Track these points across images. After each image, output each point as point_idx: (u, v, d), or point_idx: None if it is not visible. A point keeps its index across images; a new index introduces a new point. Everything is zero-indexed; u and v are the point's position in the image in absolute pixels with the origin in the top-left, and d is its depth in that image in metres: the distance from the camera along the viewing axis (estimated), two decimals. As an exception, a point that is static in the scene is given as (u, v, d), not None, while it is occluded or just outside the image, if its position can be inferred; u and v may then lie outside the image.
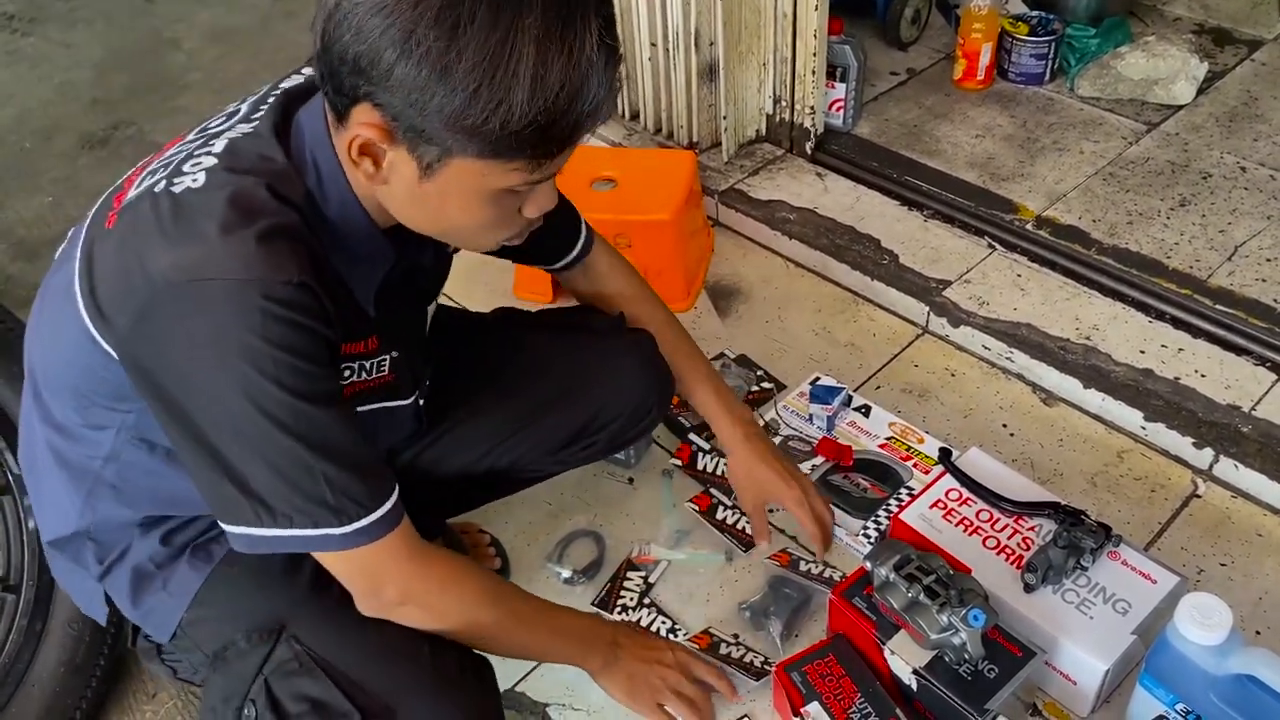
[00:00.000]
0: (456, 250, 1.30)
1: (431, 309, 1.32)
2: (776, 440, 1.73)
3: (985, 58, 2.44)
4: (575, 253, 1.47)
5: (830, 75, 2.25)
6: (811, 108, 2.22)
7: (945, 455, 1.60)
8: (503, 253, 1.34)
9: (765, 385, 1.87)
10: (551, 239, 1.42)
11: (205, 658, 1.15)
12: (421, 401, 1.30)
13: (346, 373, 1.12)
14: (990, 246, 2.06)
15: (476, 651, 1.18)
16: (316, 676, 1.07)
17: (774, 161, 2.30)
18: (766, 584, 1.56)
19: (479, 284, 2.17)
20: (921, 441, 1.70)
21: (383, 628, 1.11)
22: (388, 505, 1.03)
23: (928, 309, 1.95)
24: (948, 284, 1.98)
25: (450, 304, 2.11)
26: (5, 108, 2.95)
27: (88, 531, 1.17)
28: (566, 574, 1.60)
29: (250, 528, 0.99)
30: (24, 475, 1.21)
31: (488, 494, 1.55)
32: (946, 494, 1.53)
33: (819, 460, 1.69)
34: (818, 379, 1.79)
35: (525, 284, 2.12)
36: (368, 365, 1.15)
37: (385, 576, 1.07)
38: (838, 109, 2.32)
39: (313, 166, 1.01)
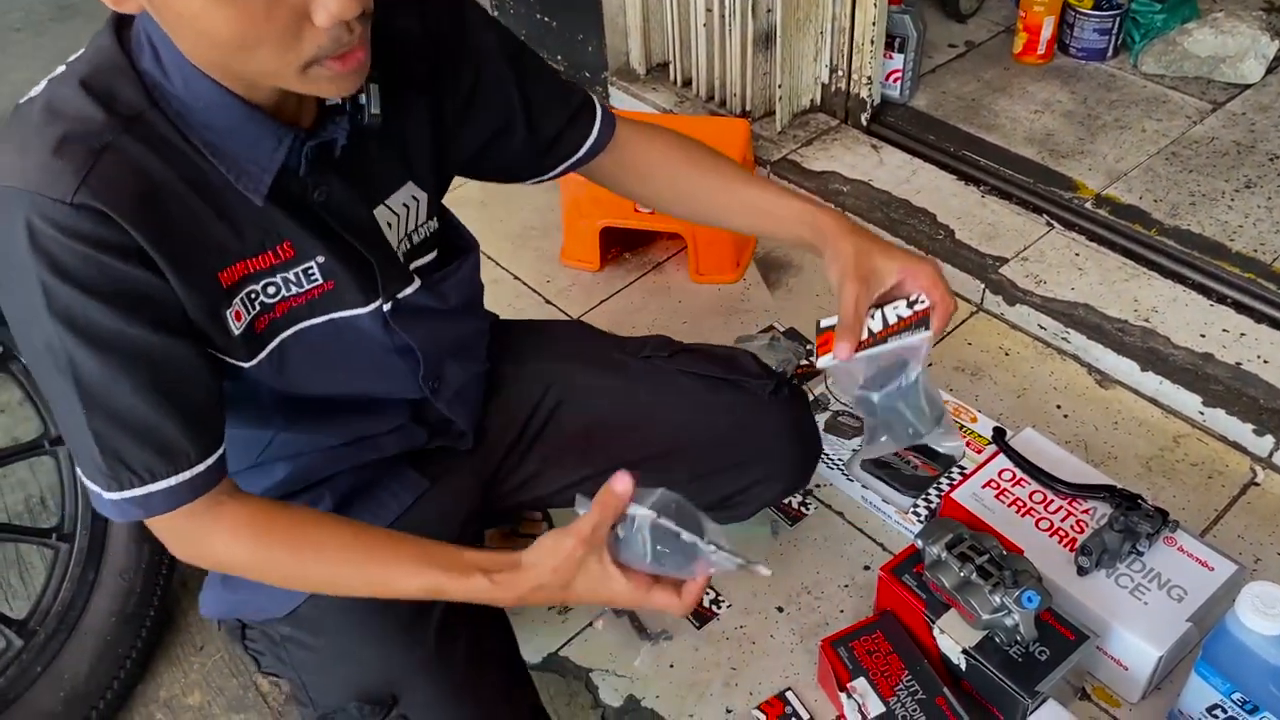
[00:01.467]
0: (435, 165, 1.12)
1: (393, 222, 1.08)
2: (826, 415, 1.71)
3: (1047, 31, 2.39)
4: (594, 133, 1.20)
5: (888, 45, 2.21)
6: (868, 78, 2.18)
7: (999, 434, 1.57)
8: (493, 169, 1.20)
9: (814, 360, 1.84)
10: (551, 125, 1.18)
11: (297, 678, 1.12)
12: (387, 307, 1.06)
13: (269, 289, 0.98)
14: (1048, 224, 2.02)
15: None
16: None
17: (828, 132, 2.27)
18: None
19: (527, 249, 2.16)
20: (974, 420, 1.68)
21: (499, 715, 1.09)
22: (176, 479, 0.92)
23: (983, 286, 1.92)
24: (1004, 261, 1.94)
25: (503, 272, 2.11)
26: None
27: None
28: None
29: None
30: None
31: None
32: (999, 474, 1.51)
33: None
34: (870, 354, 1.76)
35: (573, 250, 2.11)
36: (292, 276, 0.98)
37: (170, 541, 0.99)
38: (895, 80, 2.28)
39: (147, 43, 0.87)
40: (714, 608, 1.51)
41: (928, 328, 1.08)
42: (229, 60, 0.83)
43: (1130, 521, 1.37)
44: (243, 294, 0.96)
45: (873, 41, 2.12)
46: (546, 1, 2.54)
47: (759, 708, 1.39)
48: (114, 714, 1.45)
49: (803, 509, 1.63)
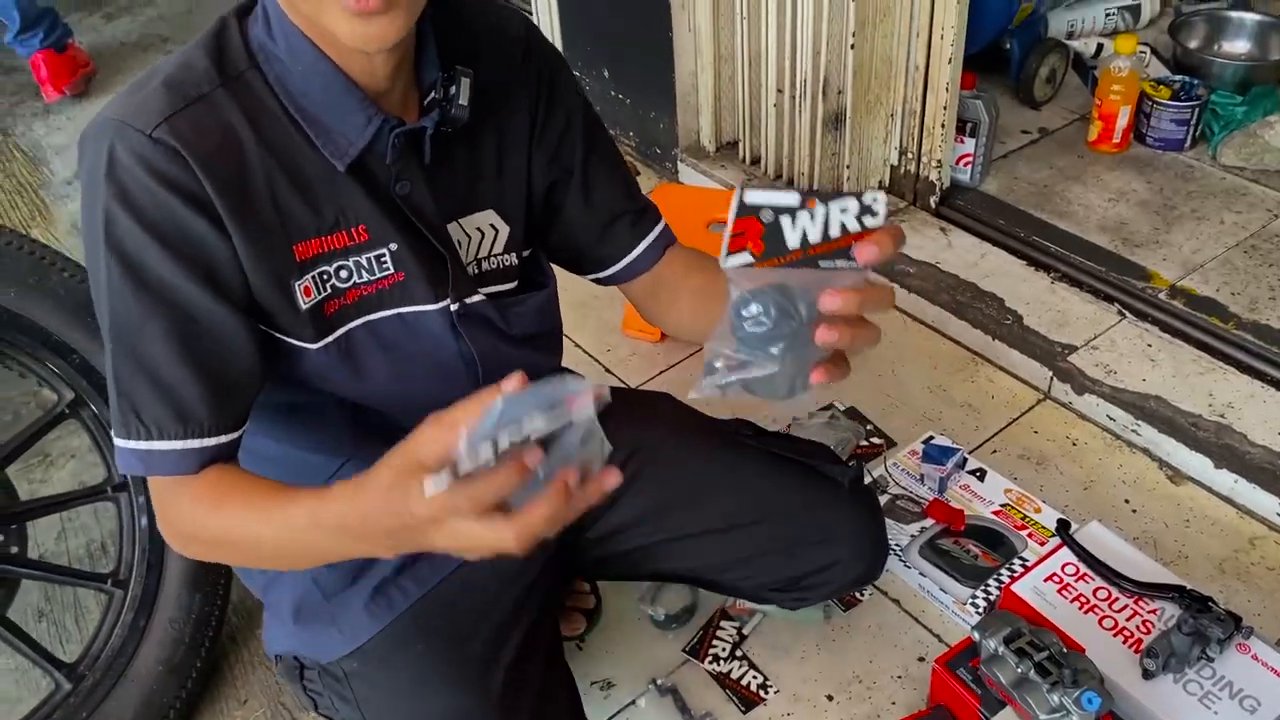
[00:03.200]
0: (526, 206, 1.13)
1: (463, 241, 1.07)
2: (884, 498, 1.67)
3: (1123, 120, 2.36)
4: (635, 253, 1.19)
5: (960, 129, 2.21)
6: (938, 161, 2.18)
7: (1064, 527, 1.53)
8: (558, 245, 1.19)
9: (875, 440, 1.82)
10: (603, 196, 1.16)
11: (359, 717, 1.10)
12: (454, 308, 1.05)
13: (343, 273, 0.98)
14: (1120, 314, 1.97)
15: None
16: None
17: (896, 214, 2.26)
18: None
19: (590, 318, 2.17)
20: (1038, 511, 1.63)
21: None
22: (183, 444, 0.90)
23: (1051, 374, 1.88)
24: (1073, 349, 1.90)
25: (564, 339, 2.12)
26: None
27: None
28: (660, 617, 1.57)
29: None
30: None
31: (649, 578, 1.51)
32: (1063, 568, 1.46)
33: (929, 523, 1.63)
34: (931, 438, 1.73)
35: (635, 320, 2.12)
36: (364, 261, 0.98)
37: (158, 511, 0.97)
38: (965, 164, 2.27)
39: (261, 11, 0.93)
40: (761, 693, 1.47)
41: (862, 262, 0.76)
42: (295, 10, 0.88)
43: (1201, 625, 1.31)
44: (315, 271, 0.97)
45: (944, 125, 2.12)
46: (621, 79, 2.59)
47: (803, 799, 1.34)
48: (155, 765, 1.45)
49: (857, 594, 1.59)
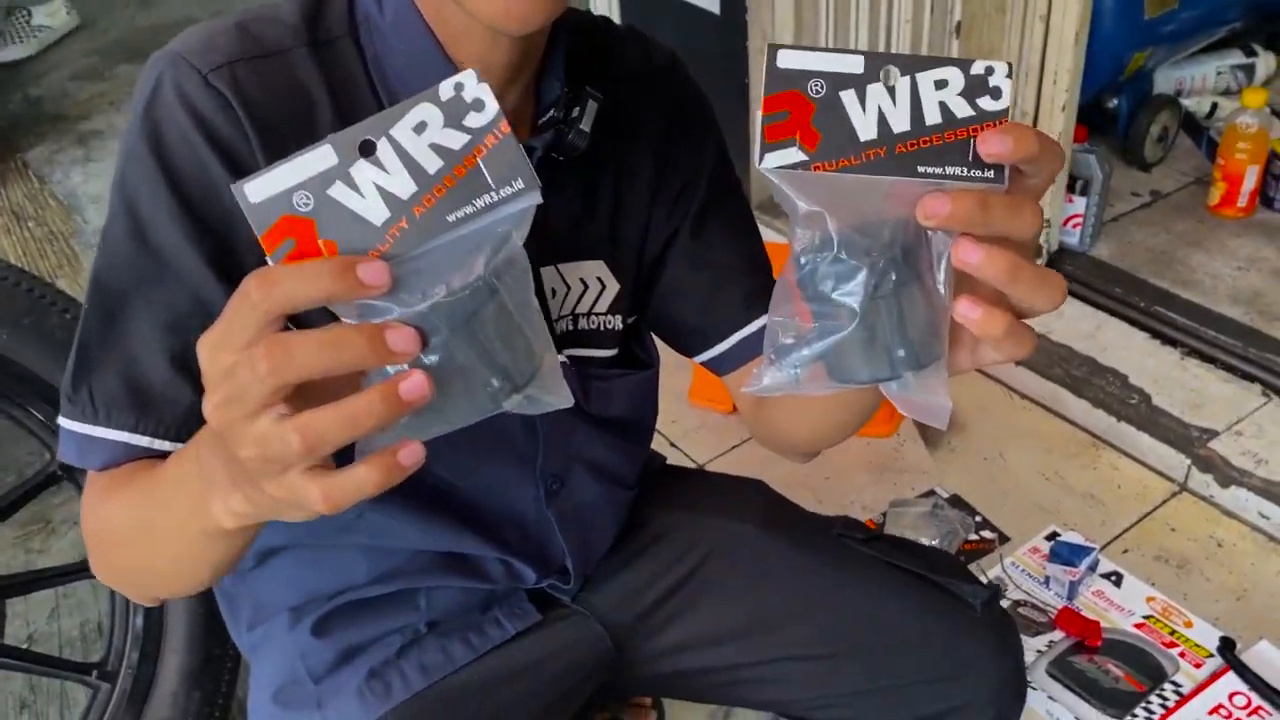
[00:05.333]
0: (637, 269, 0.93)
1: (558, 289, 0.90)
2: (1004, 604, 1.42)
3: (1250, 182, 2.13)
4: (746, 331, 0.94)
5: (1069, 187, 1.99)
6: (1047, 220, 1.96)
7: (1228, 646, 1.27)
8: (665, 318, 0.98)
9: (986, 534, 1.57)
10: (736, 293, 0.94)
11: None
12: None
13: None
14: (1265, 395, 1.72)
15: None
16: None
17: (997, 279, 2.04)
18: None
19: (655, 386, 1.96)
20: (1189, 625, 1.37)
21: None
22: (128, 436, 0.73)
23: (1189, 462, 1.62)
24: (1214, 434, 1.65)
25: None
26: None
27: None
28: (735, 739, 1.33)
29: None
30: None
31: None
32: (1230, 698, 1.21)
33: (1058, 635, 1.37)
34: (1057, 533, 1.48)
35: (703, 389, 1.91)
36: None
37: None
38: (1075, 226, 2.05)
39: None
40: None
41: (1001, 176, 0.50)
42: None
43: None
44: None
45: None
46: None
47: None
48: None
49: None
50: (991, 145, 0.48)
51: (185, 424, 0.74)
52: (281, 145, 0.72)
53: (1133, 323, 1.90)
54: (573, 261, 0.89)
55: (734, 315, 0.95)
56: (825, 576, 1.04)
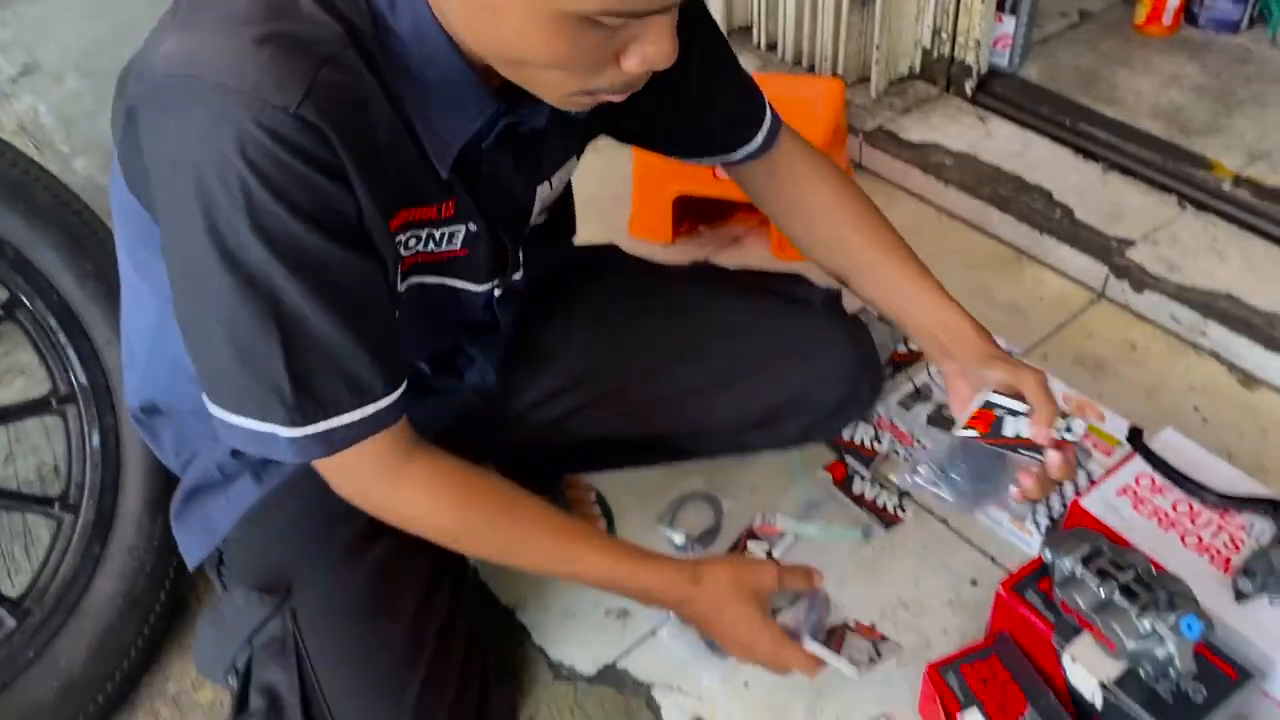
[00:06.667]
0: (591, 131, 1.07)
1: (544, 198, 1.06)
2: (929, 408, 1.50)
3: (1174, 0, 2.15)
4: (758, 141, 1.13)
5: (999, 6, 2.00)
6: (976, 42, 1.97)
7: (1136, 435, 1.36)
8: (643, 137, 1.15)
9: (914, 346, 1.64)
10: (717, 119, 1.11)
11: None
12: (498, 293, 1.04)
13: (411, 241, 0.91)
14: (1180, 205, 1.79)
15: (491, 697, 1.02)
16: (289, 671, 0.92)
17: (928, 101, 2.06)
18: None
19: (594, 220, 1.96)
20: (1102, 419, 1.45)
21: (387, 646, 0.95)
22: (362, 412, 0.85)
23: (1107, 270, 1.70)
24: (1131, 244, 1.72)
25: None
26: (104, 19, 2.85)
27: (156, 408, 1.04)
28: (679, 539, 1.41)
29: (206, 398, 0.85)
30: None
31: (619, 462, 1.37)
32: (1136, 480, 1.30)
33: (973, 434, 1.44)
34: (980, 339, 1.55)
35: (643, 222, 1.93)
36: (436, 235, 0.93)
37: (340, 481, 0.92)
38: (1004, 46, 2.06)
39: None
40: (796, 620, 1.31)
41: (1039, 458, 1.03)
42: (502, 64, 0.79)
43: (1305, 540, 1.15)
44: (401, 236, 0.90)
45: (983, 1, 1.91)
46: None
47: (849, 739, 1.19)
48: (115, 708, 1.28)
49: (898, 512, 1.42)
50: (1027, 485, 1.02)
51: (384, 381, 0.86)
52: (356, 143, 0.77)
53: (1058, 140, 1.95)
54: (556, 171, 1.03)
55: (735, 131, 1.13)
56: (680, 295, 1.22)
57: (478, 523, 0.97)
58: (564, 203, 1.19)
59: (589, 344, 1.18)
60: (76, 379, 1.34)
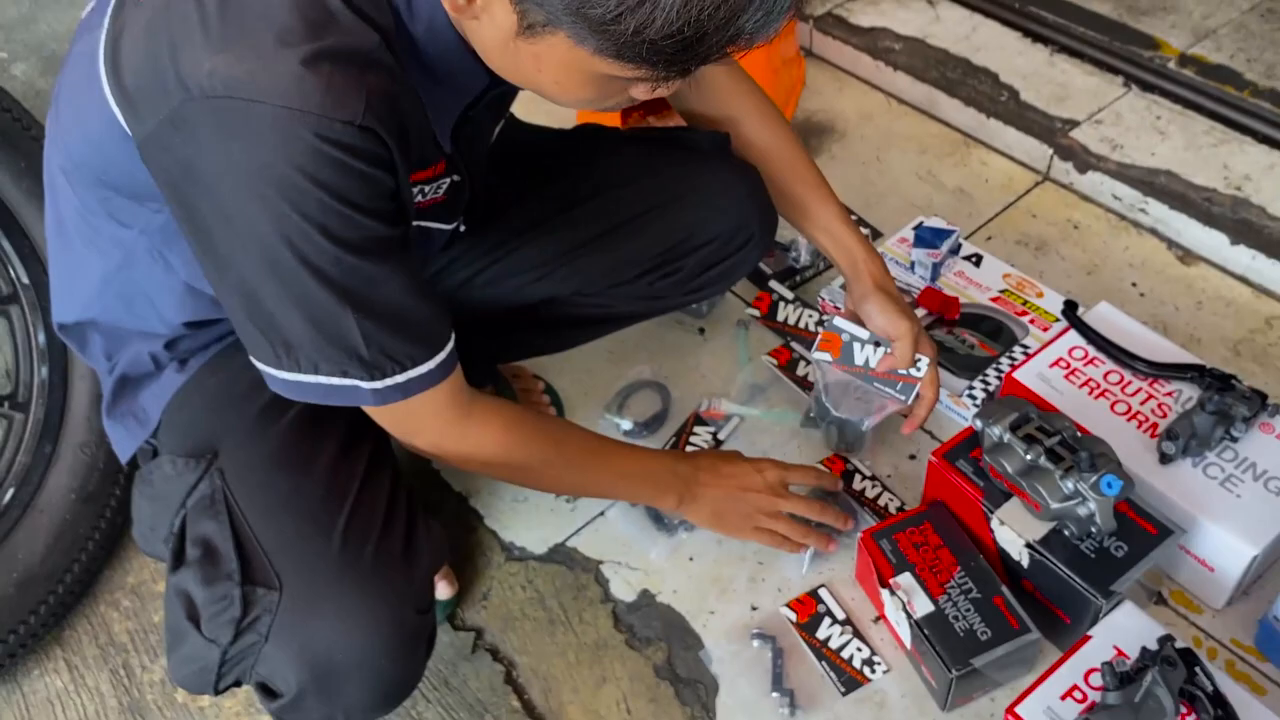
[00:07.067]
0: None
1: (507, 116, 1.14)
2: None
3: (1127, -123, 2.12)
4: None
5: (949, -113, 1.98)
6: (926, -76, 1.95)
7: (1070, 308, 1.38)
8: None
9: (862, 230, 1.65)
10: None
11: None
12: (463, 229, 1.14)
13: (416, 198, 0.99)
14: (1126, 85, 1.79)
15: (419, 528, 1.03)
16: (220, 521, 0.95)
17: (878, -13, 2.04)
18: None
19: (539, 113, 1.96)
20: (1040, 296, 1.48)
21: (310, 489, 0.98)
22: (432, 362, 0.93)
23: (1051, 152, 1.70)
24: (1075, 124, 1.73)
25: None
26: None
27: (94, 323, 1.05)
28: (626, 425, 1.44)
29: (272, 368, 0.88)
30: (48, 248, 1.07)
31: (546, 339, 1.38)
32: (1070, 352, 1.32)
33: (921, 312, 1.48)
34: (922, 222, 1.56)
35: (590, 113, 1.91)
36: (427, 189, 1.00)
37: (418, 429, 1.00)
38: (954, -72, 2.04)
39: None
40: (740, 497, 1.35)
41: (906, 398, 1.27)
42: (520, 83, 0.88)
43: (1225, 403, 1.19)
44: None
45: (932, -120, 1.88)
46: None
47: (789, 605, 1.23)
48: (76, 600, 1.32)
49: (842, 392, 1.45)
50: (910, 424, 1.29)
51: (445, 329, 0.94)
52: (396, 135, 0.83)
53: (1006, 23, 1.94)
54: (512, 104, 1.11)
55: None
56: (570, 149, 1.27)
57: (538, 463, 1.09)
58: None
59: (489, 208, 1.19)
60: (18, 278, 1.33)
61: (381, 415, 0.97)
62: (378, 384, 0.90)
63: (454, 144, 0.98)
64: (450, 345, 0.95)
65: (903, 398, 1.26)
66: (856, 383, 1.28)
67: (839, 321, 1.26)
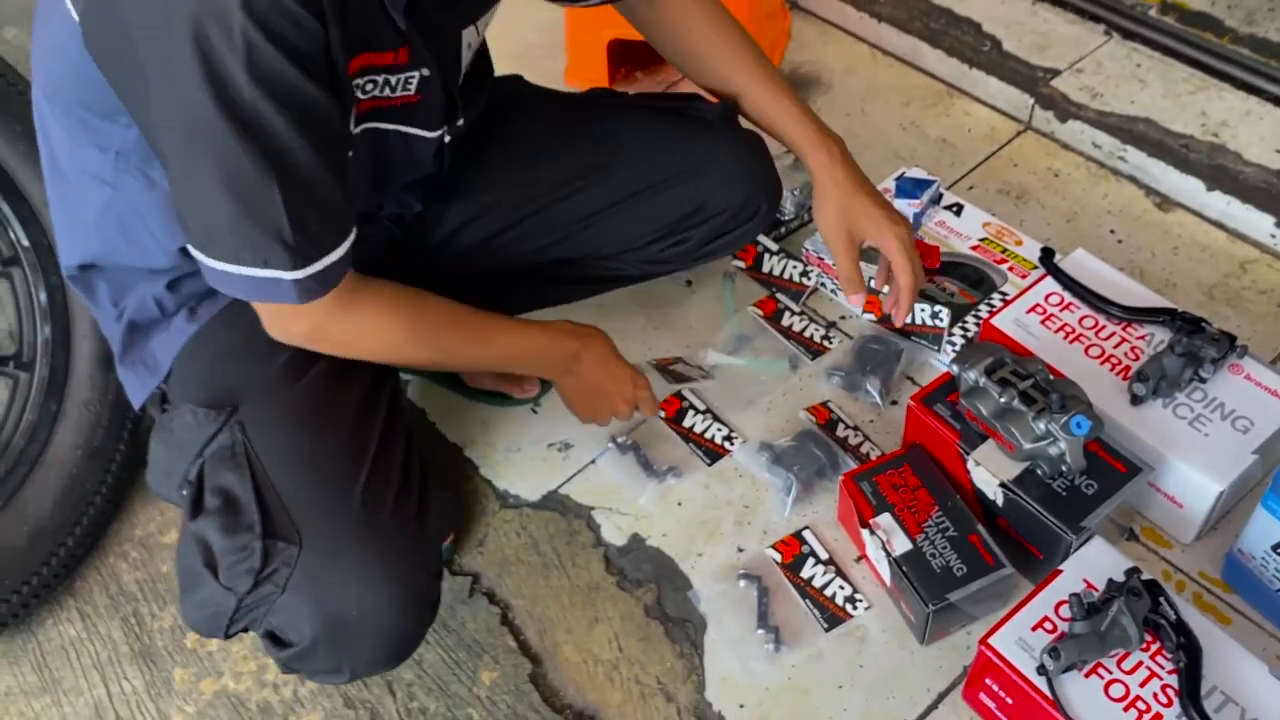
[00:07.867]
0: None
1: (473, 42, 1.12)
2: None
3: None
4: None
5: None
6: (910, -126, 1.95)
7: (1047, 255, 1.41)
8: None
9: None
10: None
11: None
12: (448, 139, 1.12)
13: (369, 86, 0.97)
14: (1106, 33, 1.81)
15: (431, 495, 1.07)
16: (241, 473, 0.98)
17: (863, -63, 2.05)
18: (852, 349, 1.47)
19: (529, 68, 1.96)
20: (1019, 244, 1.51)
21: (331, 447, 1.01)
22: (345, 246, 0.93)
23: (1032, 101, 1.73)
24: (1056, 73, 1.75)
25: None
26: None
27: (95, 264, 1.07)
28: (617, 375, 1.47)
29: (201, 254, 0.89)
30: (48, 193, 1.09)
31: (547, 295, 1.41)
32: (1046, 298, 1.36)
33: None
34: (904, 173, 1.59)
35: (579, 69, 1.93)
36: (393, 81, 0.99)
37: (300, 312, 0.95)
38: (938, -123, 2.04)
39: None
40: (726, 444, 1.38)
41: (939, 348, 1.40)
42: None
43: (1194, 345, 1.23)
44: (359, 80, 0.96)
45: None
46: None
47: (774, 547, 1.28)
48: (85, 552, 1.36)
49: (825, 342, 1.49)
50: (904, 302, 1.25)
51: (351, 216, 0.93)
52: None
53: (989, -27, 1.95)
54: (481, 16, 1.09)
55: None
56: (577, 121, 1.29)
57: (421, 337, 1.05)
58: (483, 54, 1.24)
59: (499, 174, 1.22)
60: (18, 240, 1.36)
61: (265, 308, 0.96)
62: (299, 274, 0.89)
63: (410, 21, 0.95)
64: (354, 233, 0.94)
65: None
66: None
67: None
